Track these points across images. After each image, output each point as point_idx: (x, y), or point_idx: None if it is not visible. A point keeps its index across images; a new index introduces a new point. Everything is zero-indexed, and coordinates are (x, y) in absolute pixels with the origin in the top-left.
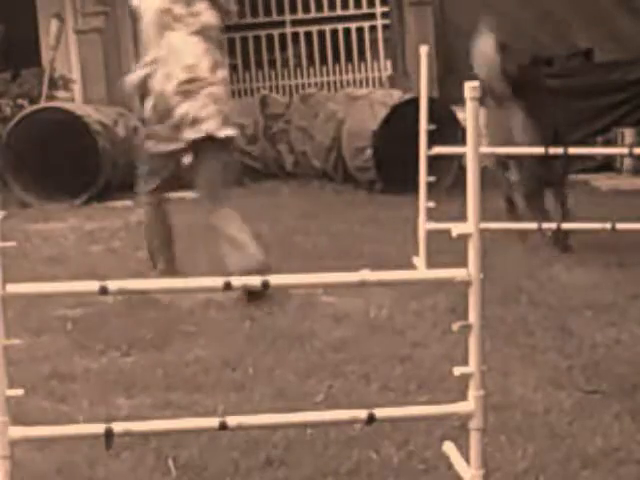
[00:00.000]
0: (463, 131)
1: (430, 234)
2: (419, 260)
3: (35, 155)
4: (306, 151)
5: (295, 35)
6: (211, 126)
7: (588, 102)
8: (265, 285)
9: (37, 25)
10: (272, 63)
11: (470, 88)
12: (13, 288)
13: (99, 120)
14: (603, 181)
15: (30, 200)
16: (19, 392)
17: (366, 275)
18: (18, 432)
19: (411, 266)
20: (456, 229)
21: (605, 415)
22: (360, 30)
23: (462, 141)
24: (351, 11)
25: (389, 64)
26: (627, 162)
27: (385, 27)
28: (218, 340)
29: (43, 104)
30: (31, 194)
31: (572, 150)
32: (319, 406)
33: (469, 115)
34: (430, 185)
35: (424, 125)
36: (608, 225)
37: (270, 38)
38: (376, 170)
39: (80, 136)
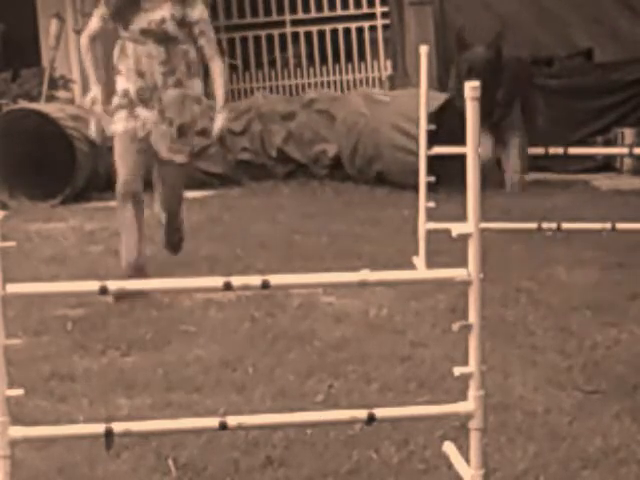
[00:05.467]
0: None
1: (430, 234)
2: (419, 260)
3: (11, 155)
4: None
5: (295, 35)
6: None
7: (588, 102)
8: (265, 285)
9: (37, 25)
10: (272, 63)
11: (470, 88)
12: (13, 288)
13: (75, 121)
14: (603, 181)
15: (5, 199)
16: (19, 392)
17: (366, 275)
18: (18, 432)
19: (411, 266)
20: (456, 229)
21: (605, 415)
22: (360, 30)
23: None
24: (351, 11)
25: (389, 64)
26: (627, 162)
27: (385, 27)
28: (218, 340)
29: (13, 106)
30: (6, 193)
31: (572, 150)
32: (319, 406)
33: (469, 115)
34: (430, 185)
35: (424, 125)
36: (608, 225)
37: (270, 38)
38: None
39: (56, 137)
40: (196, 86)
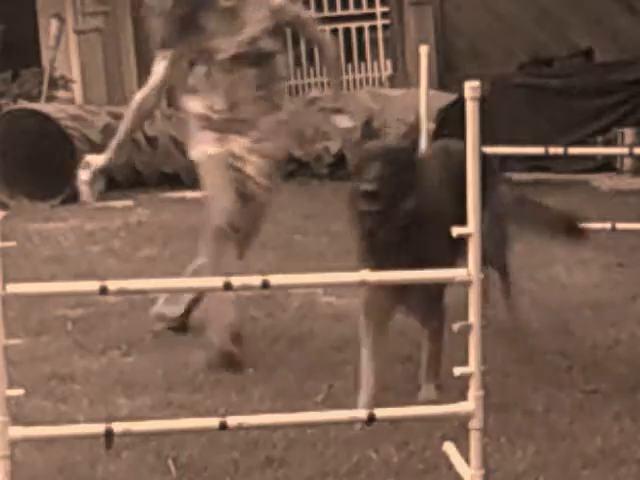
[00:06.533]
0: None
1: None
2: None
3: (11, 155)
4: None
5: (295, 35)
6: None
7: (588, 102)
8: (265, 285)
9: (37, 25)
10: None
11: (470, 88)
12: (13, 288)
13: (75, 121)
14: (603, 181)
15: (5, 200)
16: (19, 392)
17: (366, 275)
18: (18, 432)
19: None
20: (456, 229)
21: (605, 415)
22: (360, 30)
23: None
24: (351, 11)
25: (389, 64)
26: (627, 162)
27: (385, 27)
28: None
29: (13, 106)
30: (6, 193)
31: (572, 150)
32: (319, 406)
33: (469, 115)
34: None
35: (424, 125)
36: (608, 225)
37: None
38: None
39: (56, 137)
40: (286, 107)
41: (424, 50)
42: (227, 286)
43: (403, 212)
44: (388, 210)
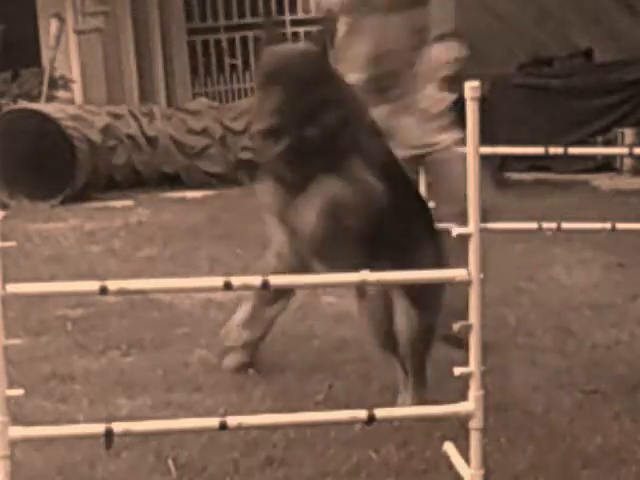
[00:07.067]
0: None
1: None
2: None
3: (11, 155)
4: None
5: (295, 35)
6: None
7: (588, 102)
8: (265, 285)
9: (37, 25)
10: None
11: (470, 88)
12: (13, 288)
13: (75, 121)
14: (603, 181)
15: (5, 200)
16: (19, 392)
17: (366, 275)
18: (18, 432)
19: None
20: (456, 229)
21: (605, 415)
22: None
23: None
24: None
25: None
26: (627, 162)
27: None
28: (218, 340)
29: (13, 106)
30: (6, 193)
31: (572, 150)
32: (319, 406)
33: (469, 115)
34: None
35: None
36: (608, 225)
37: None
38: None
39: (56, 137)
40: None
41: None
42: (227, 286)
43: (321, 130)
44: (299, 140)
